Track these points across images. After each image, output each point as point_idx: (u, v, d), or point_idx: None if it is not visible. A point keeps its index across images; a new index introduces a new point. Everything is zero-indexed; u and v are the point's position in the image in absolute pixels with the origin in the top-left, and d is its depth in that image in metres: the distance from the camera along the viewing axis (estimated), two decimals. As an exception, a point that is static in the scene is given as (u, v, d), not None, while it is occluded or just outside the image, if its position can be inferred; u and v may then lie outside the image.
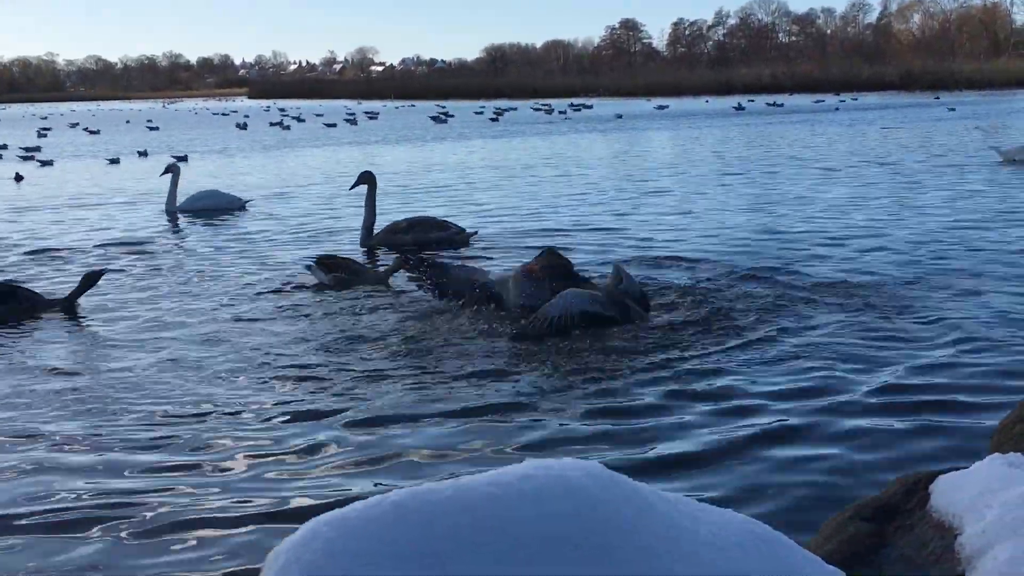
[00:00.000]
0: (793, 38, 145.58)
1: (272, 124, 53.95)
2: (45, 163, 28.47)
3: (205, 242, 12.63)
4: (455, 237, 11.66)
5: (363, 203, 11.86)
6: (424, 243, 11.34)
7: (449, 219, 12.22)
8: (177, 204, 15.71)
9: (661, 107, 64.07)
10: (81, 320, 8.35)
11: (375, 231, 11.85)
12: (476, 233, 11.90)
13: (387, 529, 1.62)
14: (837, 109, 53.21)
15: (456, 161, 26.33)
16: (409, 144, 34.86)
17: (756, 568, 1.67)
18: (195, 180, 20.75)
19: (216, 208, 15.65)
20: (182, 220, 15.04)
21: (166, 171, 15.95)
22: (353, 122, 54.88)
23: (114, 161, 28.87)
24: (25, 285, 9.12)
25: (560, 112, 61.53)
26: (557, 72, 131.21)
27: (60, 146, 34.76)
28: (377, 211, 11.90)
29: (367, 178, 11.74)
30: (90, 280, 8.84)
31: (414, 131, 43.47)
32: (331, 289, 9.10)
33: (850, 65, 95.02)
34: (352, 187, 12.17)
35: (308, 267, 9.56)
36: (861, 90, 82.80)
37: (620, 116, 52.82)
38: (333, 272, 9.25)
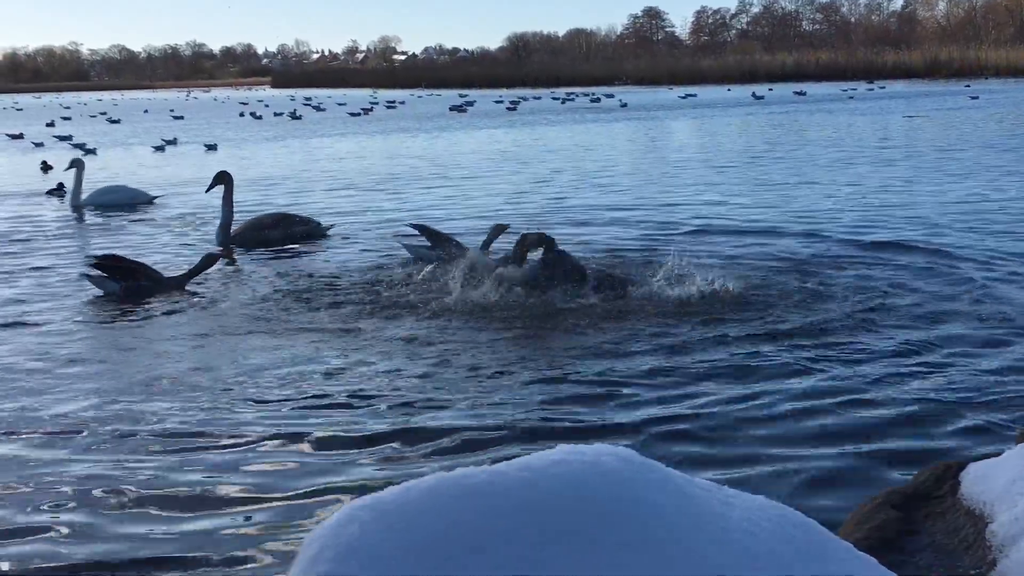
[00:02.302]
0: (817, 26, 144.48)
1: (277, 114, 52.31)
2: (88, 151, 28.52)
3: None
4: (316, 231, 11.80)
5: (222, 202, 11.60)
6: (291, 237, 11.45)
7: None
8: (82, 199, 15.65)
9: (688, 95, 62.86)
10: None
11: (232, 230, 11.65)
12: (333, 226, 11.96)
13: (421, 514, 1.63)
14: (851, 98, 52.62)
15: (430, 151, 26.19)
16: (405, 134, 34.64)
17: (789, 552, 1.67)
18: (179, 171, 20.53)
19: (121, 202, 15.62)
20: (87, 214, 14.98)
21: (71, 166, 15.83)
22: (369, 111, 54.34)
23: (159, 148, 29.32)
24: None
25: (593, 100, 60.79)
26: (580, 60, 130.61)
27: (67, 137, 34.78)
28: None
29: (223, 178, 11.66)
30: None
31: (423, 122, 42.97)
32: (123, 298, 8.41)
33: (875, 53, 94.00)
34: (208, 189, 11.98)
35: (87, 276, 8.80)
36: (886, 78, 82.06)
37: (624, 105, 51.90)
38: (126, 281, 8.52)
